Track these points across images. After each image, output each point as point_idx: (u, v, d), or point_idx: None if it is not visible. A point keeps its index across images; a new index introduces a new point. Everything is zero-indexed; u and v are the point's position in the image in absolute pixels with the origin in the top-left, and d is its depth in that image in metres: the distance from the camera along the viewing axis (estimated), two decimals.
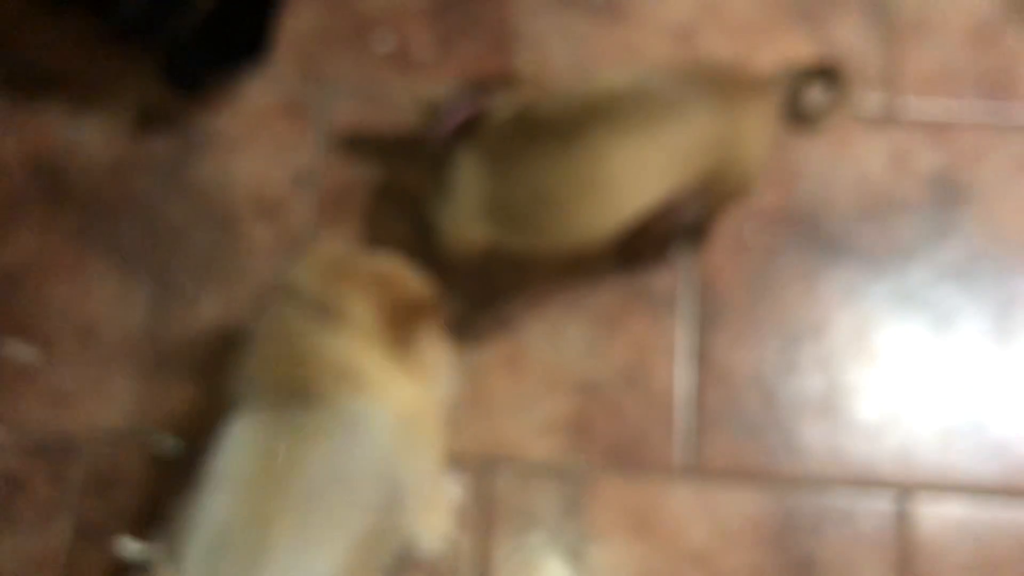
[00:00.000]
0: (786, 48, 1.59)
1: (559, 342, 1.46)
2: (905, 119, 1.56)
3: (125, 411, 1.44)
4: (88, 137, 1.56)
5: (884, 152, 1.54)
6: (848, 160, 1.54)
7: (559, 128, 1.21)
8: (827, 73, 1.33)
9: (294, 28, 1.61)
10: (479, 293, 1.48)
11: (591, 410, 1.44)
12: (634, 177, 1.20)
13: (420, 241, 1.46)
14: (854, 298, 1.48)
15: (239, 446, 1.13)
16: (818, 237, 1.51)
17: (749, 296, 1.49)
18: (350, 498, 1.11)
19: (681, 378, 1.45)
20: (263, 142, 1.56)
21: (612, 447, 1.42)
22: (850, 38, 1.59)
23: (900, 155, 1.54)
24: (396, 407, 1.15)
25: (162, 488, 1.40)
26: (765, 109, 1.27)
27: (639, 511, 1.40)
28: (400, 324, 1.18)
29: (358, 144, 1.55)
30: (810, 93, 1.34)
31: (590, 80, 1.26)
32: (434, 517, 1.30)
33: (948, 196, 1.52)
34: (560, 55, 1.60)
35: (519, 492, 1.40)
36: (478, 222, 1.27)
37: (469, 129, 1.30)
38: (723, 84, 1.23)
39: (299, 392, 1.13)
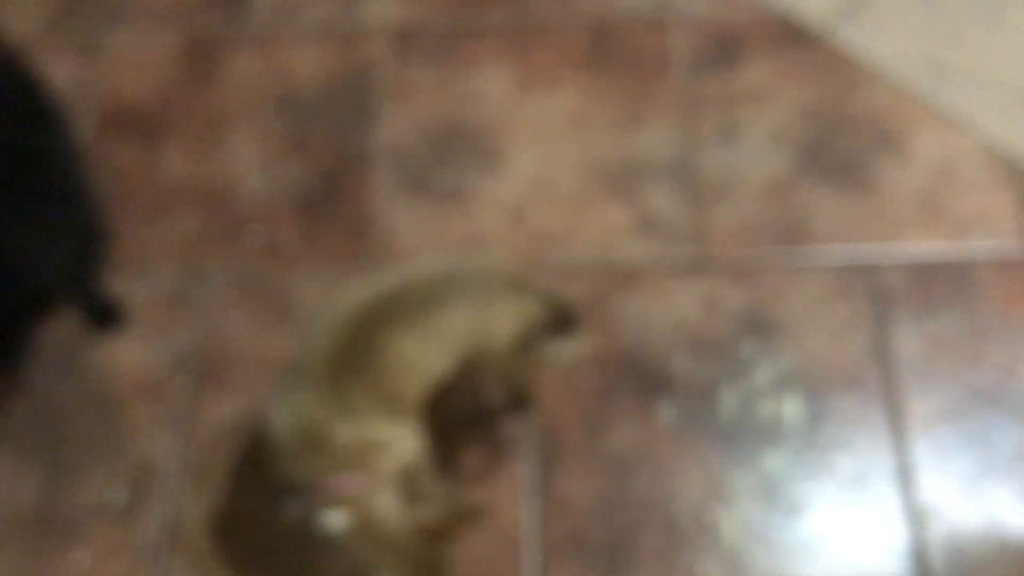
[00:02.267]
0: (607, 216, 1.81)
1: None
2: (714, 267, 1.76)
3: None
4: None
5: (697, 297, 1.74)
6: (666, 306, 1.73)
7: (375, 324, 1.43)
8: (562, 317, 1.53)
9: (175, 231, 1.84)
10: None
11: None
12: (422, 357, 1.42)
13: None
14: (679, 427, 1.63)
15: None
16: (644, 375, 1.68)
17: (586, 433, 1.64)
18: None
19: (526, 514, 1.58)
20: (145, 330, 1.75)
21: None
22: (662, 203, 1.82)
23: (711, 298, 1.73)
24: None
25: None
26: (517, 310, 1.47)
27: None
28: None
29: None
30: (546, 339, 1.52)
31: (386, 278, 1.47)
32: None
33: (756, 330, 1.70)
34: (411, 238, 1.82)
35: None
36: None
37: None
38: (487, 284, 1.45)
39: None
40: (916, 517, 1.56)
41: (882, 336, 1.69)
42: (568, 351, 1.53)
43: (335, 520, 1.40)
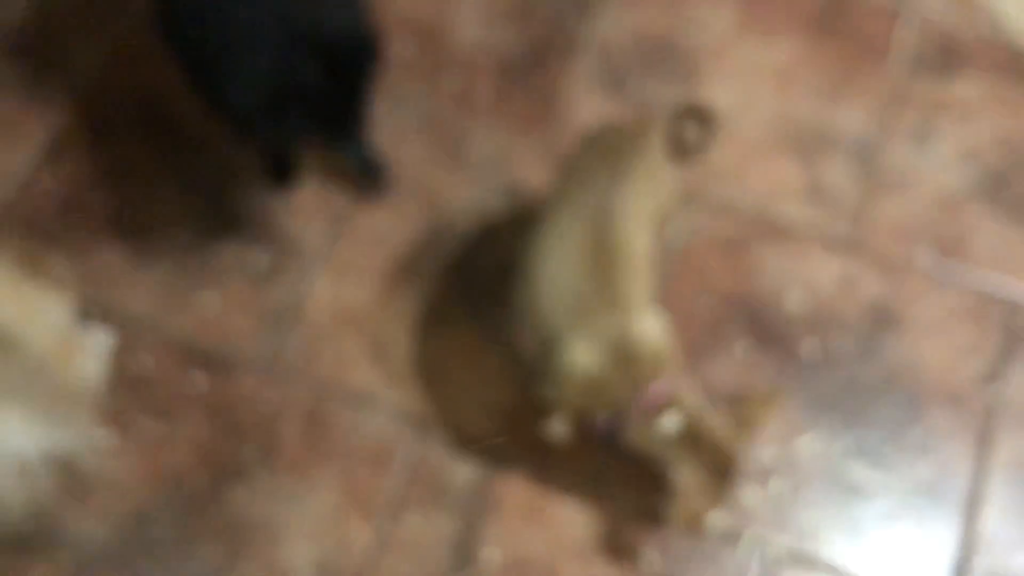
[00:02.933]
0: (780, 171, 1.87)
1: None
2: (863, 252, 1.80)
3: None
4: None
5: (837, 273, 1.78)
6: (805, 271, 1.78)
7: None
8: (699, 114, 1.67)
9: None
10: None
11: None
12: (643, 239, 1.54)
13: None
14: (775, 379, 1.70)
15: None
16: (759, 324, 1.74)
17: (689, 359, 1.72)
18: None
19: None
20: None
21: None
22: (836, 176, 1.86)
23: (850, 279, 1.78)
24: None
25: None
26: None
27: None
28: None
29: None
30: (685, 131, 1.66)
31: None
32: None
33: (881, 322, 1.74)
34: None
35: None
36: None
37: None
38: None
39: None
40: (969, 542, 1.60)
41: (1000, 369, 1.71)
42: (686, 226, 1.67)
43: (670, 424, 1.45)
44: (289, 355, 1.70)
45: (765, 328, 1.74)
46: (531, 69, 1.96)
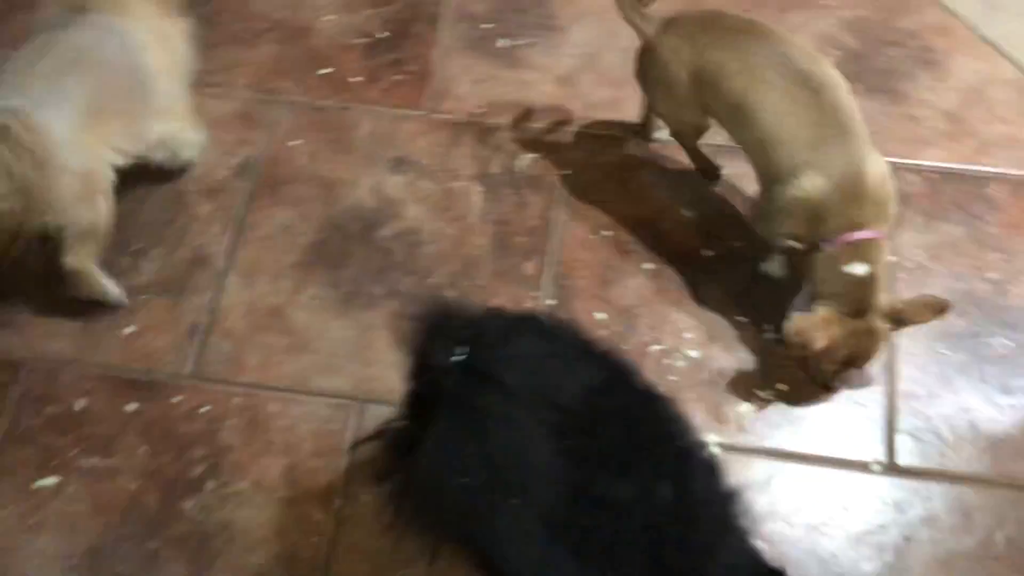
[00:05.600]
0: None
1: None
2: None
3: None
4: None
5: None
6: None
7: None
8: None
9: (256, 56, 1.99)
10: None
11: None
12: None
13: None
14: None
15: None
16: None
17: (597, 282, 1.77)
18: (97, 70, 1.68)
19: None
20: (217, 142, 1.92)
21: None
22: None
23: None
24: (151, 27, 1.72)
25: None
26: None
27: None
28: None
29: None
30: None
31: None
32: (179, 125, 1.83)
33: None
34: (466, 95, 1.96)
35: None
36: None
37: None
38: None
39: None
40: (892, 403, 1.67)
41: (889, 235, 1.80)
42: None
43: (859, 269, 1.55)
44: (214, 365, 1.72)
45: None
46: (398, 44, 2.00)
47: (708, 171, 1.85)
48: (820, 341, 1.55)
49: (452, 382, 1.20)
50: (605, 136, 1.92)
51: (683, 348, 1.70)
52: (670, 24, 1.67)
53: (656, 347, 1.70)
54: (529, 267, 1.77)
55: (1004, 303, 1.74)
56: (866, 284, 1.56)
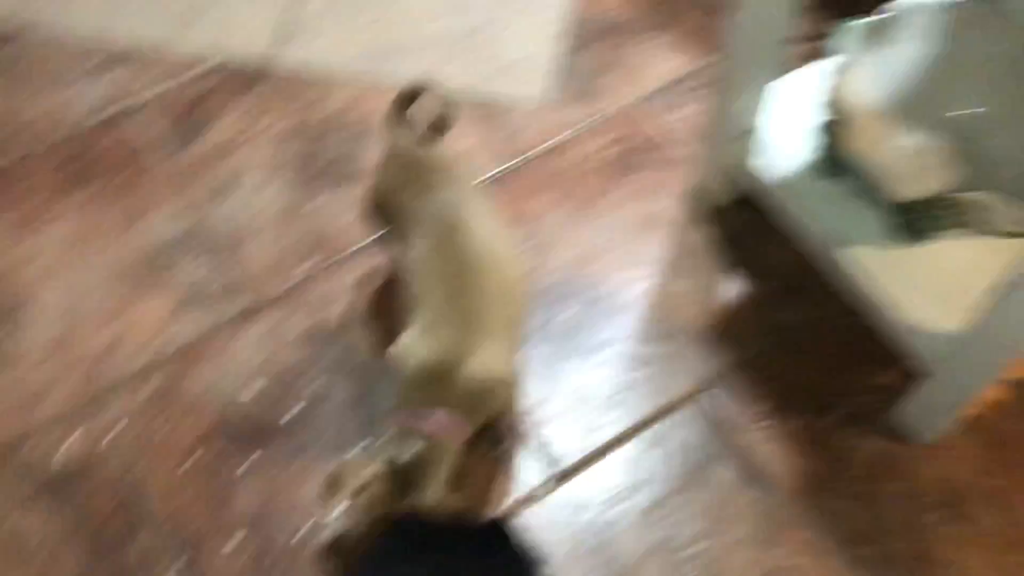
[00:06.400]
0: (150, 310, 1.83)
1: None
2: (266, 304, 1.83)
3: None
4: None
5: (262, 337, 1.79)
6: (236, 360, 1.77)
7: None
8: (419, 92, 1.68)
9: None
10: None
11: None
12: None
13: None
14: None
15: None
16: (239, 430, 1.70)
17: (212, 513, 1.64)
18: None
19: None
20: None
21: None
22: (194, 274, 1.86)
23: (275, 332, 1.80)
24: None
25: None
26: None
27: None
28: None
29: None
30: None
31: None
32: None
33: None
34: None
35: None
36: None
37: None
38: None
39: None
40: (535, 427, 1.70)
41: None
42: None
43: (407, 451, 1.40)
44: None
45: (249, 428, 1.71)
46: None
47: None
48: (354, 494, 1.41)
49: None
50: None
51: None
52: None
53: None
54: None
55: (546, 283, 1.83)
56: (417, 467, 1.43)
